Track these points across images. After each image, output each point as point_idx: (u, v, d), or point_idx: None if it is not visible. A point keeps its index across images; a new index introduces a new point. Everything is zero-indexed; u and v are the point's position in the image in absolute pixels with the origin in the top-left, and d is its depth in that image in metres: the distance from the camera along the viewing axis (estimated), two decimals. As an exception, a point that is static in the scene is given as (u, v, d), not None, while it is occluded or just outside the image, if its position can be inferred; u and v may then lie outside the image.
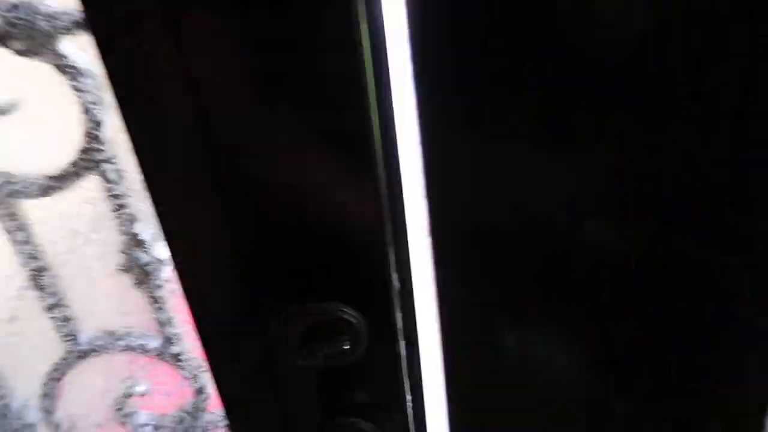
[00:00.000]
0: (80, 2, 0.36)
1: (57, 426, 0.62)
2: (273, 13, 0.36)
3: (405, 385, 0.55)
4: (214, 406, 0.60)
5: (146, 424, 0.61)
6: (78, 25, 0.41)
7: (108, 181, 0.45)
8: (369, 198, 0.44)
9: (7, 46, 0.42)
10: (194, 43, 0.36)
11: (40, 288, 0.52)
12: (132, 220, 0.47)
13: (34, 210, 0.49)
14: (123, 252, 0.49)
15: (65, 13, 0.41)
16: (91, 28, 0.37)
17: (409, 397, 0.56)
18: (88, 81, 0.42)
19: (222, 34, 0.36)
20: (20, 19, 0.41)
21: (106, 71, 0.37)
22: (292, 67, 0.37)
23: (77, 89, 0.42)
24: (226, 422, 0.59)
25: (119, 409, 0.60)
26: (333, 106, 0.39)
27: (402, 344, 0.52)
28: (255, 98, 0.39)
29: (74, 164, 0.45)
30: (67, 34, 0.42)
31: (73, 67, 0.42)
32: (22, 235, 0.50)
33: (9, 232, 0.50)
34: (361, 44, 0.37)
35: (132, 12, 0.36)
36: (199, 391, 0.58)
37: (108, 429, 0.62)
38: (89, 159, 0.44)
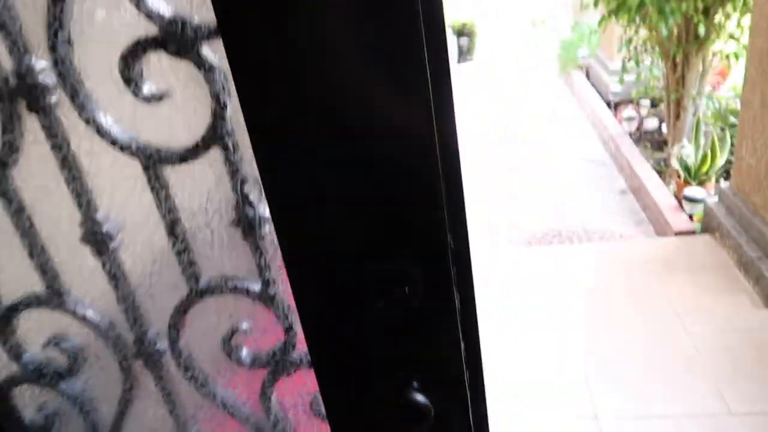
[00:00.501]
0: (216, 19, 0.50)
1: (180, 353, 0.78)
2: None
3: (459, 333, 0.65)
4: (302, 345, 0.73)
5: (246, 357, 0.75)
6: (213, 34, 0.55)
7: (227, 150, 0.60)
8: (430, 176, 0.55)
9: (163, 50, 0.58)
10: (294, 49, 0.50)
11: (173, 236, 0.68)
12: (243, 182, 0.61)
13: (172, 174, 0.65)
14: (235, 209, 0.63)
15: (205, 25, 0.56)
16: (222, 37, 0.51)
17: (463, 346, 0.66)
18: (217, 74, 0.57)
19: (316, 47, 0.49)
20: (174, 29, 0.56)
21: (230, 67, 0.51)
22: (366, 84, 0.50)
23: (208, 80, 0.57)
24: (309, 359, 0.71)
25: (226, 343, 0.74)
26: (397, 92, 0.51)
27: (456, 295, 0.62)
28: (344, 89, 0.51)
29: (204, 138, 0.60)
30: (206, 40, 0.57)
31: (208, 64, 0.57)
32: (163, 193, 0.66)
33: (154, 190, 0.66)
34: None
35: (250, 27, 0.50)
36: (289, 330, 0.71)
37: (217, 359, 0.77)
38: (215, 133, 0.59)
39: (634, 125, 4.99)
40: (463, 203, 0.60)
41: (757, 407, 2.06)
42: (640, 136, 5.00)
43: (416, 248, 0.59)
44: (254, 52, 0.51)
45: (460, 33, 9.24)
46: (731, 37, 3.84)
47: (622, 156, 4.57)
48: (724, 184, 3.21)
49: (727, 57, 3.95)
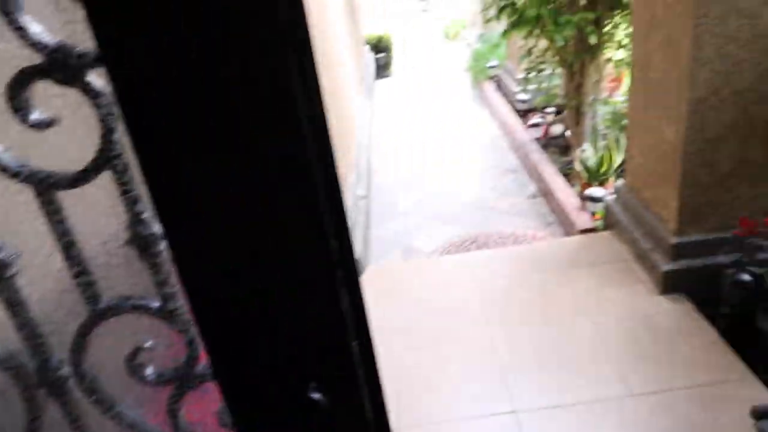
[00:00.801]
0: (98, 47, 0.53)
1: (84, 377, 0.78)
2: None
3: (350, 333, 0.69)
4: (204, 358, 0.75)
5: (151, 375, 0.77)
6: (97, 61, 0.58)
7: (117, 172, 0.62)
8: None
9: (49, 78, 0.60)
10: (172, 73, 0.53)
11: (70, 259, 0.69)
12: (135, 202, 0.64)
13: (66, 198, 0.66)
14: (129, 228, 0.65)
15: (89, 53, 0.58)
16: (106, 64, 0.54)
17: (355, 344, 0.70)
18: (104, 100, 0.59)
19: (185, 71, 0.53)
20: (59, 58, 0.59)
21: (114, 93, 0.54)
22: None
23: (96, 105, 0.59)
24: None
25: (130, 361, 0.76)
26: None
27: (345, 294, 0.67)
28: (220, 108, 0.55)
29: (94, 161, 0.62)
30: (91, 67, 0.59)
31: (94, 90, 0.59)
32: (57, 217, 0.67)
33: (48, 215, 0.67)
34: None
35: (130, 54, 0.53)
36: (190, 343, 0.73)
37: (122, 380, 0.78)
38: (105, 156, 0.61)
39: (540, 132, 5.27)
40: (341, 200, 0.65)
41: (655, 386, 2.23)
42: (547, 142, 5.28)
43: (296, 253, 0.64)
44: (135, 77, 0.54)
45: (376, 49, 9.41)
46: (620, 45, 4.15)
47: (531, 162, 4.81)
48: (619, 182, 3.46)
49: (618, 64, 4.27)
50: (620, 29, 4.08)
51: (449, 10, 12.68)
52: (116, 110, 0.59)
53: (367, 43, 9.30)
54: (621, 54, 4.19)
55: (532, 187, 4.75)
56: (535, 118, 5.36)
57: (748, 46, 2.26)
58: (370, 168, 5.43)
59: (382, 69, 9.49)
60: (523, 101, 5.89)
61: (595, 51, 4.12)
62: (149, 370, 0.77)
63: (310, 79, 0.58)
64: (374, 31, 9.57)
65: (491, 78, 7.43)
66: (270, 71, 0.54)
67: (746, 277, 2.35)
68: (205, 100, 0.54)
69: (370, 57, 9.11)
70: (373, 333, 0.72)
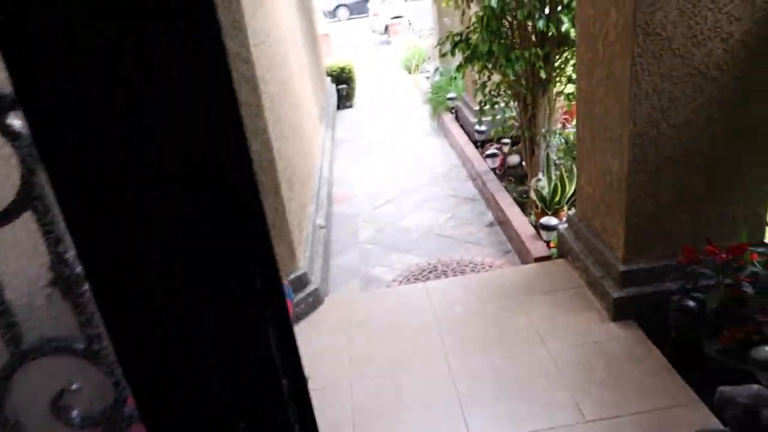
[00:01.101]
0: (14, 89, 0.53)
1: (5, 422, 0.76)
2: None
3: (278, 370, 0.69)
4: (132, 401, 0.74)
5: (76, 418, 0.75)
6: (16, 103, 0.58)
7: (39, 213, 0.62)
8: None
9: (-33, 119, 0.59)
10: (89, 117, 0.54)
11: (-10, 300, 0.68)
12: (57, 242, 0.63)
13: (-14, 238, 0.65)
14: (52, 269, 0.65)
15: (8, 95, 0.59)
16: (23, 107, 0.54)
17: (285, 381, 0.70)
18: (23, 141, 0.59)
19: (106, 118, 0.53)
20: (-23, 99, 0.58)
21: (31, 134, 0.54)
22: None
23: (16, 147, 0.59)
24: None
25: (55, 404, 0.74)
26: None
27: (274, 332, 0.67)
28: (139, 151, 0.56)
29: (15, 202, 0.61)
30: (10, 109, 0.59)
31: (14, 132, 0.59)
32: (-23, 258, 0.66)
33: (-33, 256, 0.66)
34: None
35: (48, 97, 0.53)
36: (117, 384, 0.72)
37: (47, 423, 0.76)
38: (25, 197, 0.61)
39: (497, 162, 5.37)
40: (269, 238, 0.65)
41: (607, 412, 2.27)
42: (504, 172, 5.39)
43: (221, 292, 0.64)
44: (52, 119, 0.54)
45: (339, 80, 9.50)
46: (570, 80, 4.30)
47: (489, 191, 4.90)
48: (571, 211, 3.55)
49: (568, 97, 4.42)
50: (570, 65, 4.23)
51: (410, 42, 12.95)
52: (36, 151, 0.59)
53: (330, 74, 9.39)
54: (571, 88, 4.34)
55: (489, 216, 4.82)
56: (492, 149, 5.47)
57: (682, 83, 2.37)
58: (330, 197, 5.44)
59: (345, 99, 9.58)
60: (480, 132, 6.02)
61: (546, 85, 4.26)
62: (75, 413, 0.75)
63: (233, 115, 0.59)
64: (337, 62, 9.67)
65: (450, 109, 7.58)
66: (193, 107, 0.54)
67: (690, 303, 2.43)
68: (123, 141, 0.55)
69: (331, 88, 9.19)
70: (304, 369, 0.72)
